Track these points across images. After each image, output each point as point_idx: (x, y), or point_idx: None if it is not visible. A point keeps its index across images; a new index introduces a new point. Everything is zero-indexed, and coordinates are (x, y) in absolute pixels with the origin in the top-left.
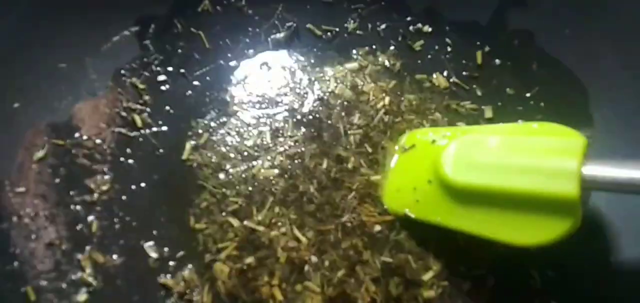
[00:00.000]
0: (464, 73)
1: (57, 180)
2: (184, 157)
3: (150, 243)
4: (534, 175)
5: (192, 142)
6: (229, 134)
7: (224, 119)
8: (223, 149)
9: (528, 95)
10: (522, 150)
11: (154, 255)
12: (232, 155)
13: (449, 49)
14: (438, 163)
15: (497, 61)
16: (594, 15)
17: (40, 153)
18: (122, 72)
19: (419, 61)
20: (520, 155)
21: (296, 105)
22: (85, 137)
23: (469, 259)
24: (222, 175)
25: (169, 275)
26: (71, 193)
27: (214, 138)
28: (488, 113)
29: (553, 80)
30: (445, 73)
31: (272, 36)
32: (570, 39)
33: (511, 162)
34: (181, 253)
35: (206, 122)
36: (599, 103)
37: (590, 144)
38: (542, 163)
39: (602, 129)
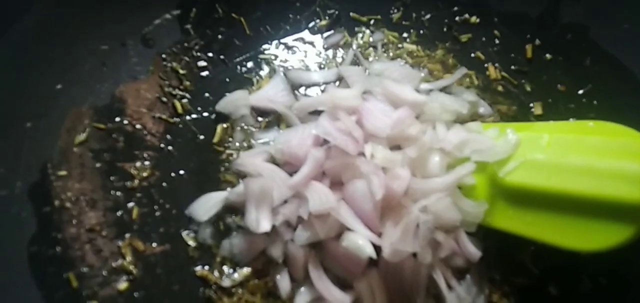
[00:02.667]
0: (512, 67)
1: (98, 165)
2: (215, 140)
3: (189, 231)
4: (593, 177)
5: (224, 126)
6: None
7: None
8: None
9: (580, 92)
10: (580, 150)
11: (192, 244)
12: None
13: (496, 41)
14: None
15: (548, 56)
16: None
17: (81, 137)
18: (163, 56)
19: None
20: (578, 156)
21: None
22: (126, 122)
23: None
24: None
25: (207, 266)
26: (112, 178)
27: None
28: (538, 110)
29: (608, 78)
30: (496, 65)
31: (313, 23)
32: (627, 34)
33: (568, 163)
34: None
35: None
36: None
37: None
38: (601, 165)
39: None
